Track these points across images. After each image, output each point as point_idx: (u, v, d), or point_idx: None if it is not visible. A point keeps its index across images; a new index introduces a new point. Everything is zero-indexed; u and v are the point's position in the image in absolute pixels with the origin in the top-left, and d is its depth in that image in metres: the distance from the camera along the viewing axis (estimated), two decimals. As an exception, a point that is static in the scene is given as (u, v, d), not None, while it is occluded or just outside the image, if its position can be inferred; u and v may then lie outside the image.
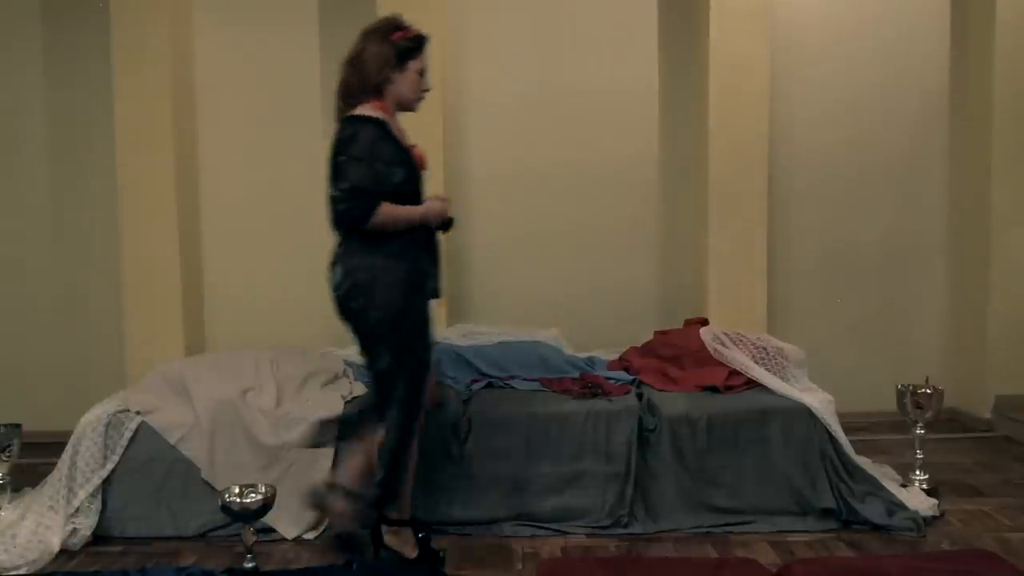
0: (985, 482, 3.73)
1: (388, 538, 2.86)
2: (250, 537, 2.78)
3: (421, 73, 2.82)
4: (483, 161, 4.77)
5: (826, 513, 3.25)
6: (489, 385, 3.73)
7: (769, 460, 3.30)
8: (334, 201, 2.70)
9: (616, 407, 3.38)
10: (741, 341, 3.73)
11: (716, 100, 4.47)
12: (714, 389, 3.53)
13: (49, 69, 4.65)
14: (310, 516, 3.19)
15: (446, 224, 2.86)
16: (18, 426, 3.27)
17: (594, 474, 3.29)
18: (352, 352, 4.11)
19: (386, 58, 2.76)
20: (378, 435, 2.81)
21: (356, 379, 3.81)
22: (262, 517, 2.83)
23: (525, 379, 3.74)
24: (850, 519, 3.23)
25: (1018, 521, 3.27)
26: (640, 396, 3.53)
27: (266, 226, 4.73)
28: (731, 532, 3.20)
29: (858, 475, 3.30)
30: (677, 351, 3.78)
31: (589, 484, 3.29)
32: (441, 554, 2.95)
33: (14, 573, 2.91)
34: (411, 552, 2.87)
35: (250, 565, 2.79)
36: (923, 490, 3.42)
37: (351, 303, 2.75)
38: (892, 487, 3.32)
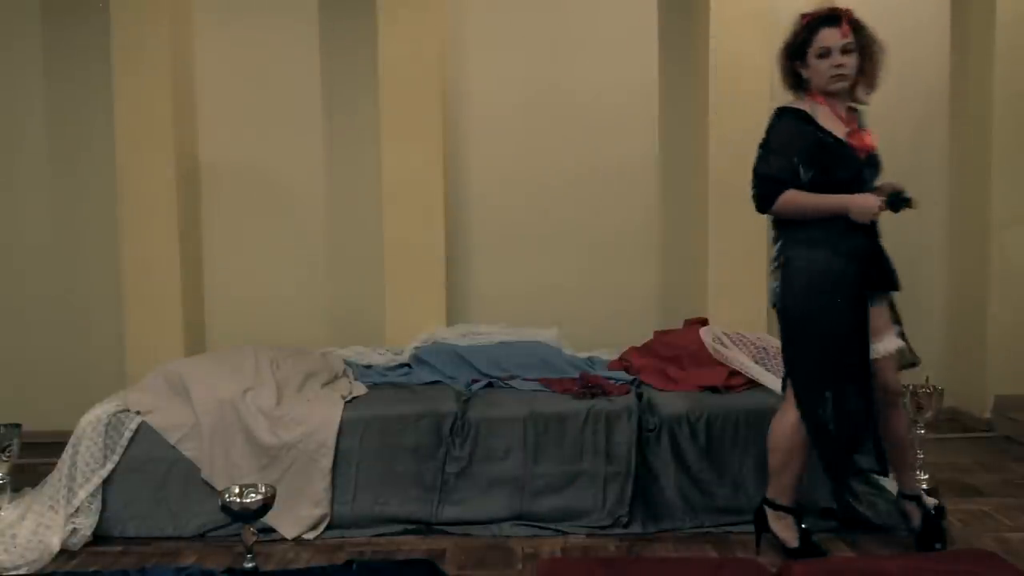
0: (985, 482, 3.73)
1: (772, 523, 2.89)
2: (250, 537, 2.77)
3: (821, 55, 2.79)
4: (483, 160, 4.77)
5: (826, 513, 3.25)
6: (489, 385, 3.74)
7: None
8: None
9: (616, 407, 3.37)
10: (741, 341, 3.73)
11: (716, 100, 4.46)
12: (714, 389, 3.53)
13: (49, 69, 4.65)
14: (310, 516, 3.19)
15: (896, 205, 2.79)
16: (18, 426, 3.27)
17: (594, 474, 3.29)
18: (351, 352, 4.15)
19: (785, 68, 2.88)
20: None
21: (356, 379, 3.81)
22: (262, 517, 2.83)
23: (525, 379, 3.75)
24: (850, 519, 3.23)
25: (1018, 521, 3.27)
26: (640, 396, 3.53)
27: (266, 226, 4.73)
28: (731, 532, 3.19)
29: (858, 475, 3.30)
30: (677, 351, 3.78)
31: (589, 484, 3.28)
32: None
33: (14, 573, 2.91)
34: (792, 542, 2.86)
35: (250, 565, 2.78)
36: (923, 490, 3.41)
37: (783, 297, 2.82)
38: (892, 487, 3.31)
